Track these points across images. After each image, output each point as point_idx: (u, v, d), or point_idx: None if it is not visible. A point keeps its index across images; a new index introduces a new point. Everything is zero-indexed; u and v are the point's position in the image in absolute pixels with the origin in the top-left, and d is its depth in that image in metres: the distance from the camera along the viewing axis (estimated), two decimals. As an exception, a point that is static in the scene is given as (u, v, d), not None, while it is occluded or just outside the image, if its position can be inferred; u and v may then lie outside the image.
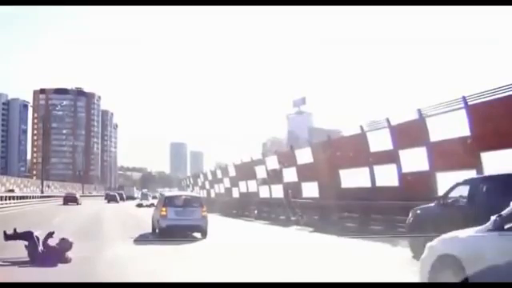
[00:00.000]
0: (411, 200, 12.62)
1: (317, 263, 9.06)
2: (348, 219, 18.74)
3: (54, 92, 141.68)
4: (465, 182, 9.89)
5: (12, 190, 51.73)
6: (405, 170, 16.43)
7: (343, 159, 20.54)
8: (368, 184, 18.33)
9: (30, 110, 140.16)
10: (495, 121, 12.87)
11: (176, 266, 8.76)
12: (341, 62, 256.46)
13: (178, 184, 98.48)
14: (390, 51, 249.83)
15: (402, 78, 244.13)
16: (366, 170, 18.47)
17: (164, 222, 14.39)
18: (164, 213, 14.50)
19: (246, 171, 33.84)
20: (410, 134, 16.16)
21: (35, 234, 8.83)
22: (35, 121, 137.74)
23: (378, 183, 17.93)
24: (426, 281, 5.08)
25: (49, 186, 72.83)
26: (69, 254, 8.58)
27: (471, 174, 13.07)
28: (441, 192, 11.75)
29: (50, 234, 8.87)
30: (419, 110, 15.60)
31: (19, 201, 37.85)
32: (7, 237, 9.05)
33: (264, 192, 30.36)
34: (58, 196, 55.30)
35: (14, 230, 9.08)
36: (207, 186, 50.17)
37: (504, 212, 4.59)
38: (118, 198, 57.11)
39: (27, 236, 8.77)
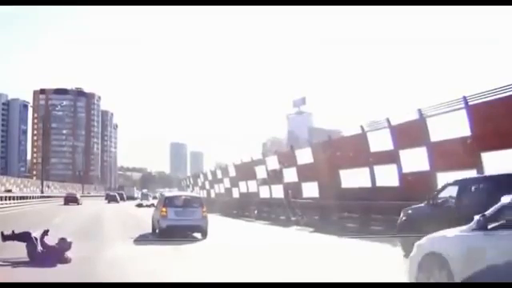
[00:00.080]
0: (411, 200, 12.56)
1: (317, 263, 9.04)
2: (348, 219, 18.72)
3: (54, 92, 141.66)
4: (454, 183, 10.13)
5: (10, 190, 51.71)
6: (405, 170, 16.41)
7: (343, 159, 20.53)
8: (368, 184, 18.32)
9: (30, 110, 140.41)
10: (496, 121, 12.86)
11: (176, 266, 8.75)
12: (341, 62, 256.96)
13: (178, 184, 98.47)
14: (390, 51, 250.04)
15: (403, 78, 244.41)
16: (367, 170, 18.45)
17: (164, 222, 14.37)
18: (164, 213, 14.48)
19: (246, 171, 33.83)
20: (410, 134, 16.14)
21: (33, 234, 8.81)
22: (35, 121, 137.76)
23: (379, 183, 17.91)
24: (414, 277, 5.25)
25: (49, 187, 72.82)
26: (68, 253, 8.56)
27: (472, 174, 13.06)
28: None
29: (46, 232, 8.85)
30: (420, 110, 15.58)
31: (20, 201, 37.90)
32: (5, 237, 9.02)
33: (264, 192, 30.34)
34: (58, 196, 55.56)
35: (13, 231, 9.06)
36: (207, 186, 50.16)
37: (487, 212, 4.76)
38: (119, 198, 57.23)
39: (25, 237, 8.74)
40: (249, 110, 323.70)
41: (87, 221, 22.29)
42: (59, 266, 8.16)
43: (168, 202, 14.99)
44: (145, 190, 77.37)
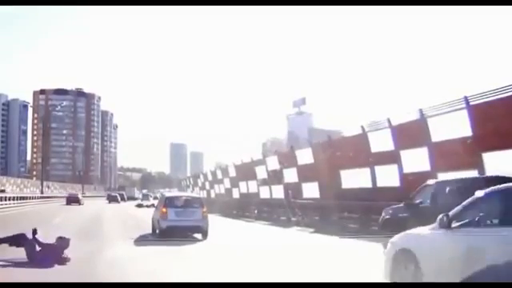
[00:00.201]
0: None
1: (318, 264, 9.02)
2: (349, 220, 18.69)
3: (54, 92, 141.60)
4: (430, 185, 10.99)
5: (3, 190, 51.67)
6: (406, 170, 16.36)
7: (344, 159, 20.49)
8: (369, 184, 18.29)
9: (30, 110, 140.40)
10: (497, 121, 12.82)
11: (176, 266, 8.72)
12: (341, 62, 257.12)
13: (178, 184, 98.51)
14: (390, 51, 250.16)
15: (403, 78, 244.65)
16: (367, 170, 18.42)
17: (164, 222, 14.33)
18: (164, 213, 14.43)
19: (246, 172, 33.79)
20: (411, 134, 16.11)
21: (28, 235, 8.76)
22: (35, 121, 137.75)
23: (379, 184, 17.87)
24: (388, 271, 5.74)
25: (49, 187, 72.77)
26: (68, 254, 8.52)
27: (473, 174, 13.04)
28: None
29: (35, 231, 8.78)
30: (420, 110, 15.56)
31: (20, 201, 38.10)
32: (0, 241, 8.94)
33: (264, 192, 30.31)
34: (58, 196, 56.42)
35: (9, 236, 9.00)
36: (207, 187, 50.13)
37: (451, 212, 5.13)
38: (119, 199, 57.96)
39: (20, 238, 8.68)
40: (249, 109, 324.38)
41: (88, 220, 22.45)
42: (59, 266, 8.13)
43: (168, 202, 14.95)
44: (145, 191, 77.54)
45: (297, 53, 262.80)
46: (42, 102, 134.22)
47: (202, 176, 56.28)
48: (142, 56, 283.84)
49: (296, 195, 23.91)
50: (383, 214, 12.46)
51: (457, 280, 4.58)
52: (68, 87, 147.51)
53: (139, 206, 43.03)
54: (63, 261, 8.32)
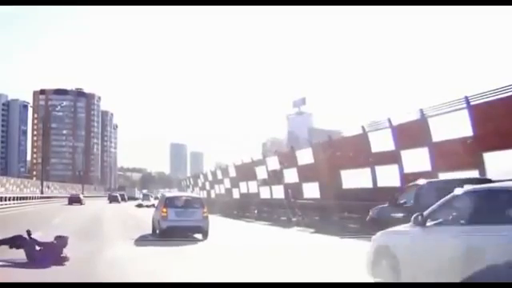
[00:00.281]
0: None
1: (318, 264, 9.00)
2: (349, 220, 18.65)
3: (54, 93, 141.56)
4: (413, 186, 11.62)
5: None
6: (407, 170, 16.34)
7: (344, 160, 20.48)
8: (369, 185, 18.26)
9: (30, 110, 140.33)
10: (497, 121, 12.81)
11: (176, 266, 8.70)
12: (341, 62, 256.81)
13: (178, 185, 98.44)
14: (391, 51, 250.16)
15: (404, 78, 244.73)
16: (368, 170, 18.39)
17: (165, 223, 14.31)
18: (165, 214, 14.40)
19: (246, 172, 33.76)
20: (411, 134, 16.10)
21: (32, 235, 8.74)
22: (35, 121, 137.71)
23: (380, 184, 17.85)
24: (370, 265, 6.20)
25: (49, 187, 72.71)
26: (67, 252, 8.50)
27: (474, 174, 13.02)
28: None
29: (29, 232, 8.76)
30: (421, 110, 15.55)
31: (21, 201, 38.32)
32: None
33: (265, 193, 30.28)
34: (59, 197, 57.55)
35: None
36: (207, 187, 50.12)
37: (425, 212, 5.56)
38: (120, 199, 58.96)
39: (18, 239, 8.65)
40: (249, 109, 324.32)
41: (88, 220, 22.57)
42: (59, 266, 8.10)
43: (168, 202, 14.93)
44: (145, 191, 77.65)
45: (297, 53, 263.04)
46: (42, 102, 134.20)
47: (202, 176, 56.29)
48: (142, 56, 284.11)
49: (296, 195, 23.88)
50: (370, 213, 13.33)
51: (430, 274, 5.08)
52: (68, 87, 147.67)
53: (139, 205, 43.34)
54: (62, 260, 8.30)
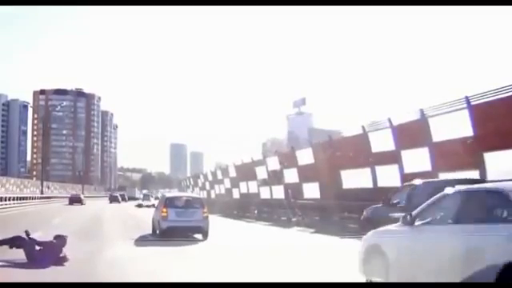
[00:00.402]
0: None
1: (318, 264, 9.00)
2: (349, 220, 18.63)
3: (54, 93, 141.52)
4: (407, 186, 11.87)
5: None
6: (407, 170, 16.31)
7: (344, 160, 20.46)
8: (370, 185, 18.25)
9: (30, 110, 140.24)
10: (498, 121, 12.79)
11: (176, 266, 8.70)
12: (341, 62, 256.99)
13: (178, 185, 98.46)
14: (391, 51, 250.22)
15: (404, 77, 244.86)
16: (368, 170, 18.38)
17: (165, 223, 14.29)
18: (165, 214, 14.38)
19: (246, 172, 33.74)
20: (412, 134, 16.08)
21: (31, 235, 8.73)
22: (35, 121, 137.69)
23: (380, 184, 17.83)
24: (361, 263, 6.31)
25: (48, 187, 72.68)
26: (66, 252, 8.49)
27: (474, 174, 13.01)
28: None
29: (27, 233, 8.75)
30: (421, 110, 15.53)
31: (21, 201, 38.34)
32: None
33: (265, 193, 30.26)
34: (59, 197, 57.81)
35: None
36: (207, 187, 50.12)
37: (414, 211, 5.71)
38: (120, 199, 59.40)
39: (18, 240, 8.64)
40: (249, 110, 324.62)
41: (88, 220, 22.64)
42: (59, 266, 8.10)
43: (169, 202, 14.91)
44: (145, 191, 77.70)
45: (297, 53, 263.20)
46: (41, 103, 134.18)
47: (202, 176, 56.31)
48: (142, 56, 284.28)
49: (296, 195, 23.86)
50: (364, 213, 13.48)
51: (418, 272, 5.19)
52: (68, 87, 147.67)
53: (139, 206, 43.45)
54: (62, 259, 8.29)
